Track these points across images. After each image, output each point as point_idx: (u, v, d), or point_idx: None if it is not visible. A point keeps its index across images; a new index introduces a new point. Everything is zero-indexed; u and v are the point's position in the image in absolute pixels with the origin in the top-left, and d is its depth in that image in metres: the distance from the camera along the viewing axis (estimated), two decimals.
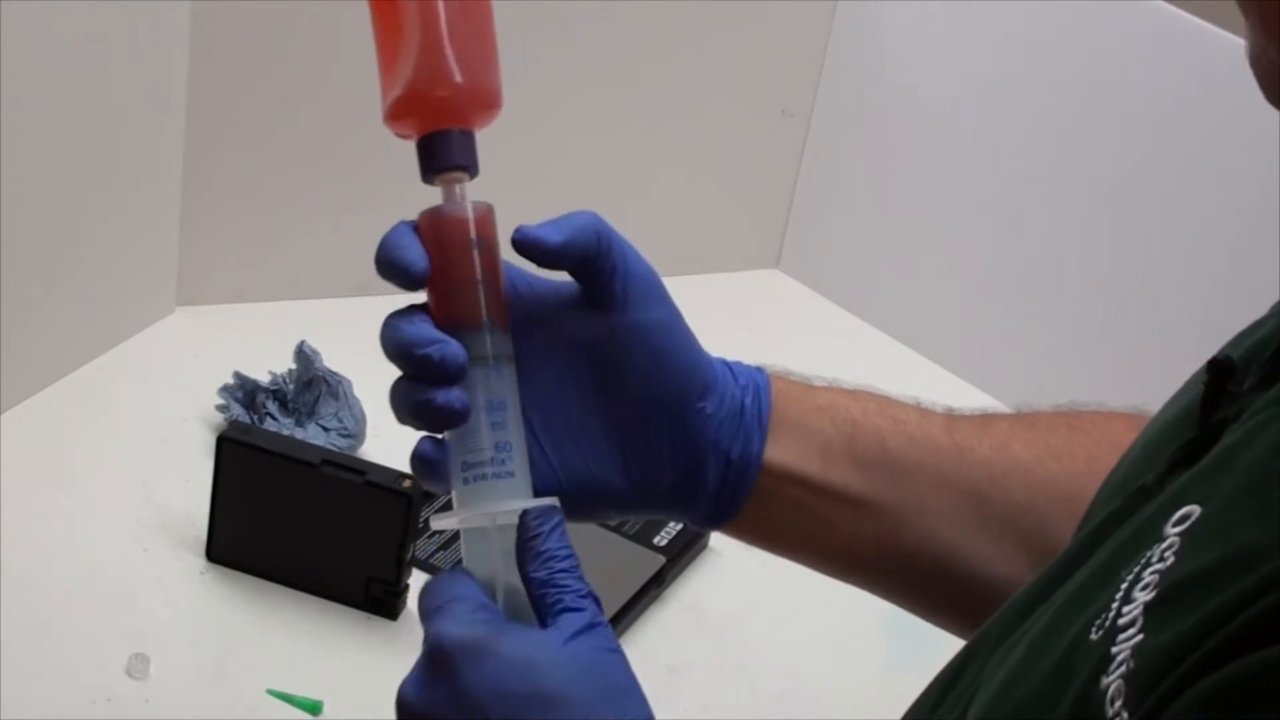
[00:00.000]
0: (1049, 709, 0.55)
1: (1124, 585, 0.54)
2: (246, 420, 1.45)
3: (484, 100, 0.73)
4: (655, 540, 1.43)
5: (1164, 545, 0.54)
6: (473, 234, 0.73)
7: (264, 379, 1.48)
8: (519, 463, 0.73)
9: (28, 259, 1.40)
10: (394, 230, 0.73)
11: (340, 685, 1.27)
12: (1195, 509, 0.54)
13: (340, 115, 1.55)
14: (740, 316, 1.80)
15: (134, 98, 1.46)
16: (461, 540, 0.75)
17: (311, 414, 1.47)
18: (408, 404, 0.73)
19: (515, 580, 0.72)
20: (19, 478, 1.38)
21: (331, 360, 1.48)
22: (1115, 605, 0.54)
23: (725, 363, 0.81)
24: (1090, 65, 1.64)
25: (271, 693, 1.26)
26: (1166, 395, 0.72)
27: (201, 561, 1.36)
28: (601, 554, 1.35)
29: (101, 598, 1.31)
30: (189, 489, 1.40)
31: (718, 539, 1.47)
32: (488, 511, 0.73)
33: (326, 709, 1.25)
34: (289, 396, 1.48)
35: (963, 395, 1.73)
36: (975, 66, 1.72)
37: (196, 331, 1.60)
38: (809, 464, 0.81)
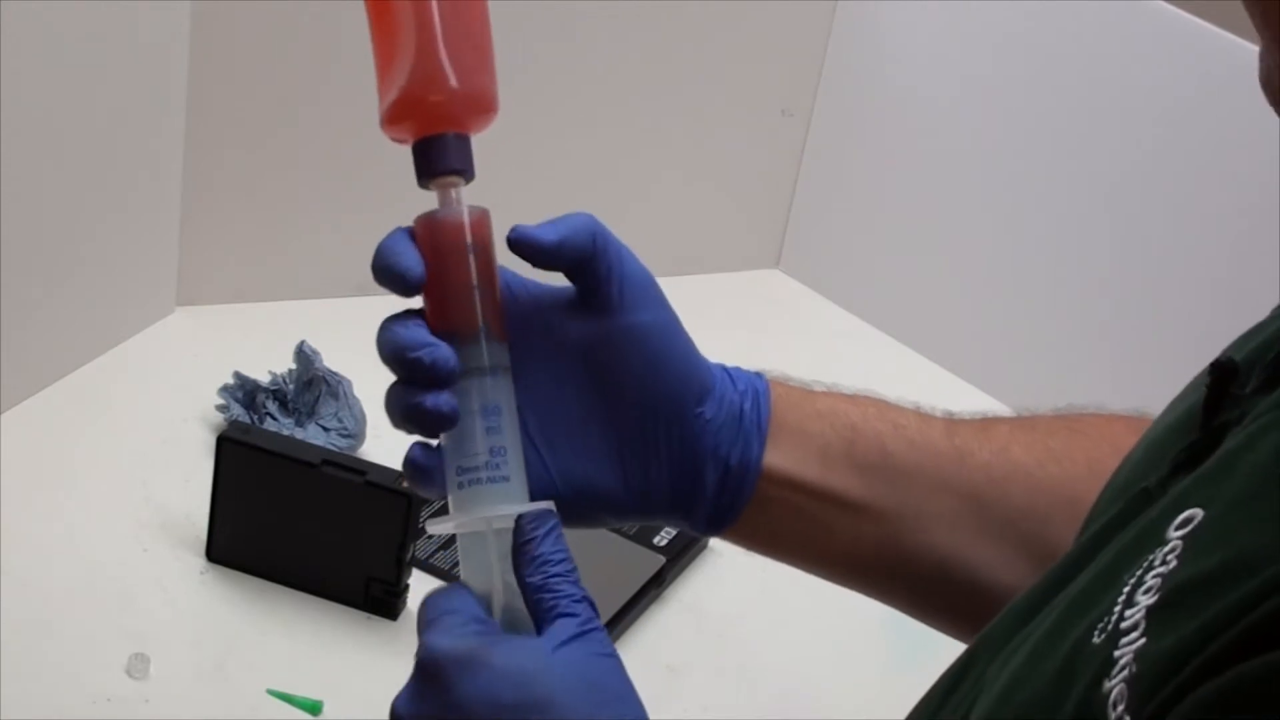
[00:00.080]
0: (1051, 712, 0.55)
1: (1126, 589, 0.54)
2: (246, 420, 1.45)
3: (479, 105, 0.73)
4: (655, 540, 1.43)
5: (1166, 549, 0.54)
6: (468, 238, 0.73)
7: (264, 379, 1.48)
8: (514, 467, 0.73)
9: (28, 259, 1.40)
10: (390, 236, 0.73)
11: (340, 685, 1.27)
12: (1198, 512, 0.54)
13: (340, 115, 1.55)
14: (740, 316, 1.80)
15: (134, 98, 1.46)
16: (458, 545, 0.74)
17: (311, 414, 1.47)
18: (400, 408, 0.73)
19: (513, 584, 0.72)
20: (19, 478, 1.38)
21: (331, 360, 1.48)
22: (1117, 609, 0.54)
23: (724, 368, 0.81)
24: (1090, 65, 1.64)
25: (271, 693, 1.26)
26: (1166, 394, 0.72)
27: (201, 561, 1.36)
28: (601, 554, 1.35)
29: (101, 598, 1.31)
30: (189, 489, 1.40)
31: (717, 539, 1.46)
32: (482, 516, 0.73)
33: (326, 709, 1.25)
34: (289, 396, 1.48)
35: (962, 395, 1.73)
36: (975, 66, 1.72)
37: (196, 331, 1.60)
38: (808, 469, 0.81)
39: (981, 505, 0.82)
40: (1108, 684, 0.52)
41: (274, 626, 1.32)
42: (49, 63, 1.35)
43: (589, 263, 0.76)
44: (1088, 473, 0.79)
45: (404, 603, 1.34)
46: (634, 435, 0.78)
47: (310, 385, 1.48)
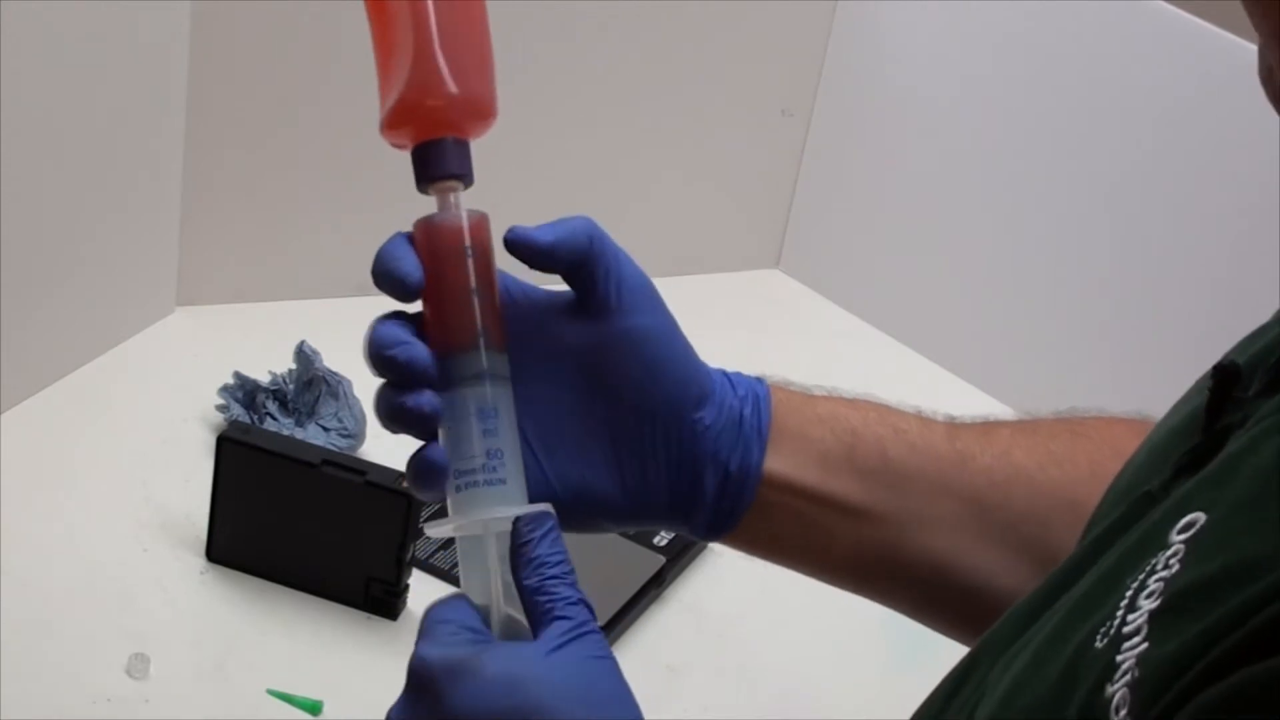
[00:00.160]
0: (1053, 717, 0.55)
1: (1129, 593, 0.54)
2: (246, 420, 1.45)
3: (478, 110, 0.73)
4: (655, 540, 1.43)
5: (1169, 552, 0.54)
6: (467, 242, 0.73)
7: (264, 379, 1.48)
8: (512, 470, 0.73)
9: (28, 259, 1.40)
10: (389, 242, 0.74)
11: (340, 685, 1.27)
12: (1200, 516, 0.54)
13: (340, 115, 1.55)
14: (740, 316, 1.80)
15: (134, 98, 1.46)
16: (457, 548, 0.74)
17: (311, 414, 1.47)
18: (385, 409, 0.73)
19: (513, 587, 0.72)
20: (19, 478, 1.38)
21: (331, 360, 1.48)
22: (1120, 613, 0.54)
23: (725, 374, 0.81)
24: (1090, 65, 1.64)
25: (271, 693, 1.26)
26: (1166, 394, 0.72)
27: (201, 561, 1.36)
28: (601, 554, 1.35)
29: (101, 598, 1.31)
30: (189, 489, 1.40)
31: None
32: (479, 519, 0.73)
33: (326, 709, 1.25)
34: (289, 396, 1.48)
35: (962, 395, 1.73)
36: (975, 66, 1.72)
37: (196, 331, 1.60)
38: (809, 474, 0.80)
39: (983, 509, 0.81)
40: (1110, 689, 0.52)
41: (274, 626, 1.32)
42: (49, 63, 1.35)
43: (585, 265, 0.76)
44: (1089, 476, 0.79)
45: (404, 603, 1.34)
46: (632, 440, 0.78)
47: (310, 385, 1.48)
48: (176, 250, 1.57)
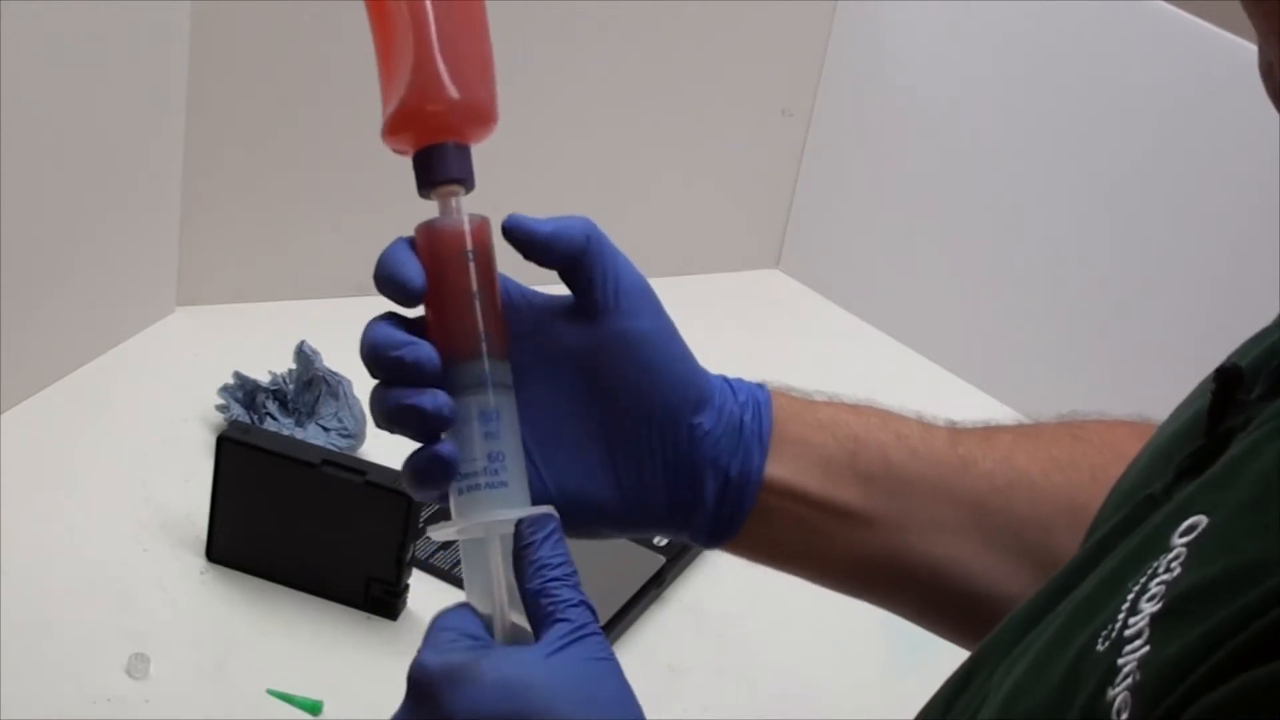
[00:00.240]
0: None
1: (1130, 596, 0.54)
2: (246, 420, 1.45)
3: (479, 115, 0.73)
4: (655, 540, 1.43)
5: (1170, 556, 0.54)
6: (468, 246, 0.73)
7: (264, 379, 1.48)
8: (514, 473, 0.73)
9: (28, 259, 1.40)
10: (391, 246, 0.73)
11: (340, 685, 1.27)
12: (1202, 519, 0.54)
13: (340, 115, 1.55)
14: (740, 316, 1.80)
15: (134, 98, 1.46)
16: (460, 551, 0.74)
17: (311, 414, 1.47)
18: (389, 408, 0.73)
19: (516, 590, 0.72)
20: (19, 478, 1.38)
21: (331, 360, 1.48)
22: (1121, 616, 0.54)
23: (725, 380, 0.81)
24: (1090, 65, 1.64)
25: (271, 693, 1.26)
26: (1165, 393, 0.72)
27: (201, 561, 1.36)
28: (601, 554, 1.34)
29: (101, 598, 1.31)
30: (189, 489, 1.40)
31: None
32: (481, 522, 0.73)
33: (326, 709, 1.25)
34: (289, 396, 1.48)
35: (962, 395, 1.73)
36: (975, 66, 1.72)
37: (196, 331, 1.60)
38: (811, 480, 0.80)
39: (985, 514, 0.81)
40: (1111, 692, 0.52)
41: (274, 626, 1.32)
42: (49, 63, 1.35)
43: (582, 263, 0.76)
44: (1091, 480, 0.79)
45: (404, 603, 1.34)
46: (628, 444, 0.78)
47: (310, 385, 1.48)
48: (176, 250, 1.57)
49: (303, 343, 1.48)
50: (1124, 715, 0.51)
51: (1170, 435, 0.67)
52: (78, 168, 1.44)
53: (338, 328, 1.46)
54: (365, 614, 1.34)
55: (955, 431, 0.83)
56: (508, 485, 0.73)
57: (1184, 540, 0.54)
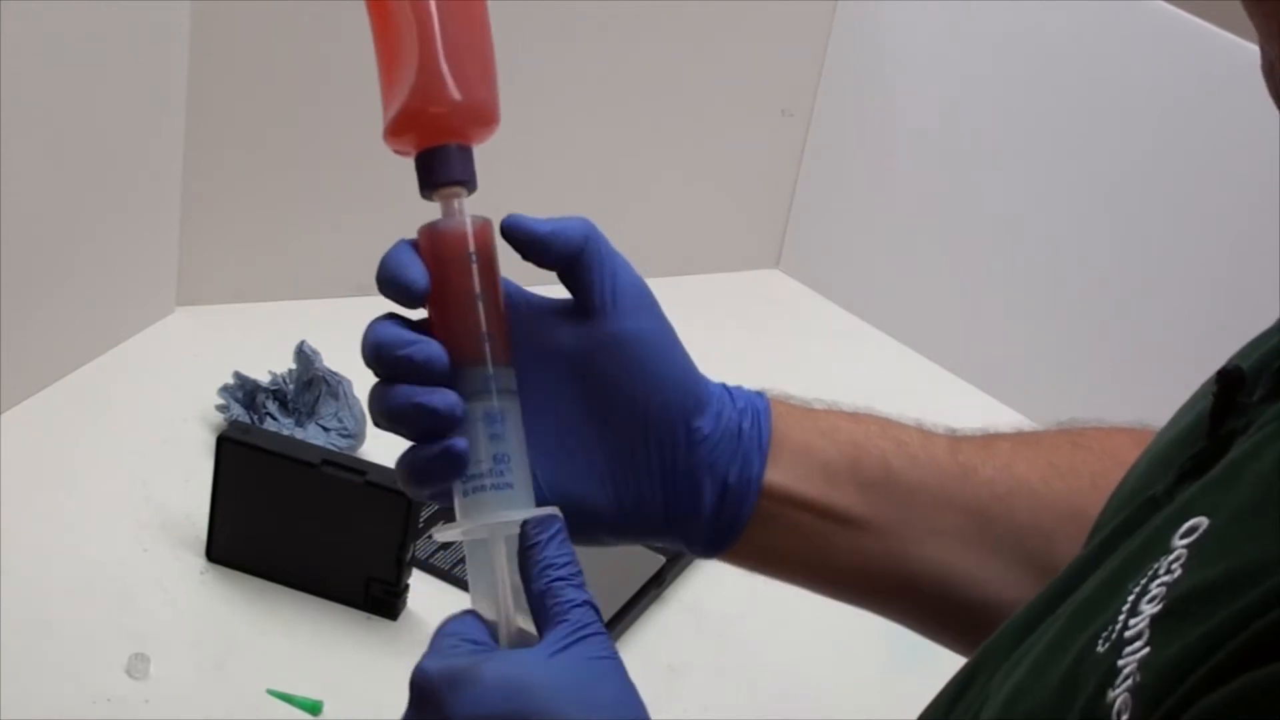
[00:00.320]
0: None
1: (1131, 597, 0.54)
2: (246, 420, 1.45)
3: (481, 116, 0.73)
4: None
5: (1171, 557, 0.54)
6: (471, 248, 0.73)
7: (264, 379, 1.48)
8: (519, 474, 0.73)
9: (28, 259, 1.40)
10: (394, 248, 0.73)
11: (340, 685, 1.27)
12: (1203, 521, 0.54)
13: (340, 115, 1.55)
14: (740, 316, 1.80)
15: (134, 98, 1.46)
16: (465, 552, 0.74)
17: (311, 414, 1.47)
18: (395, 406, 0.72)
19: (522, 591, 0.72)
20: (19, 478, 1.38)
21: (331, 360, 1.48)
22: (1122, 618, 0.54)
23: (724, 386, 0.80)
24: (1090, 65, 1.64)
25: (271, 693, 1.26)
26: (1164, 393, 0.72)
27: (201, 561, 1.36)
28: (601, 554, 1.33)
29: (101, 598, 1.31)
30: (189, 489, 1.40)
31: None
32: (486, 523, 0.73)
33: (326, 709, 1.25)
34: (289, 396, 1.48)
35: (962, 395, 1.73)
36: (975, 66, 1.72)
37: (196, 331, 1.60)
38: (811, 486, 0.80)
39: (986, 521, 0.81)
40: (1111, 693, 0.52)
41: (274, 626, 1.32)
42: (49, 63, 1.35)
43: (579, 262, 0.76)
44: (1091, 487, 0.79)
45: (404, 603, 1.34)
46: (625, 449, 0.77)
47: (310, 385, 1.48)
48: (176, 250, 1.57)
49: (303, 343, 1.48)
50: (1124, 716, 0.51)
51: (1172, 438, 0.66)
52: (78, 168, 1.44)
53: (338, 328, 1.46)
54: (365, 614, 1.34)
55: (954, 439, 0.83)
56: (513, 487, 0.73)
57: (1185, 542, 0.54)
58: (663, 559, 1.42)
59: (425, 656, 0.70)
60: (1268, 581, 0.49)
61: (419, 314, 0.75)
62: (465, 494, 0.73)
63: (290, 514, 1.33)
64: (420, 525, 1.33)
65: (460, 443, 0.72)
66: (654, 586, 1.41)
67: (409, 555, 1.32)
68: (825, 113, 1.83)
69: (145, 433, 1.47)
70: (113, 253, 1.51)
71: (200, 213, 1.56)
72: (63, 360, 1.51)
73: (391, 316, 0.74)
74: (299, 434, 1.44)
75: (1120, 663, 0.52)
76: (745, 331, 1.77)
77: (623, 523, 0.78)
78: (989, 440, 0.84)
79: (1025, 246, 1.72)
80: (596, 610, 0.71)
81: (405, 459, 0.73)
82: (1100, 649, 0.54)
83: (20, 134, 1.33)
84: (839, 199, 1.85)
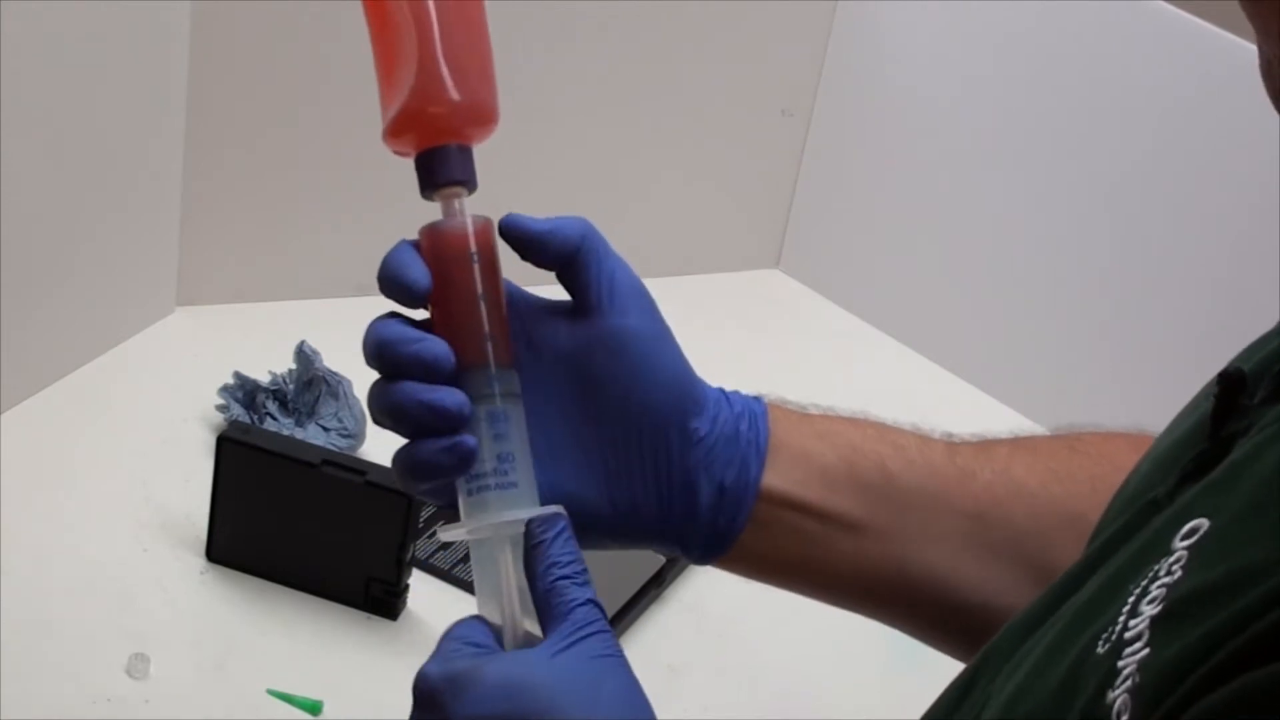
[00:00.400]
0: None
1: (1131, 599, 0.54)
2: (246, 420, 1.45)
3: (481, 116, 0.73)
4: None
5: (1171, 559, 0.54)
6: (472, 248, 0.73)
7: (264, 379, 1.48)
8: (523, 474, 0.73)
9: (28, 259, 1.40)
10: (395, 249, 0.73)
11: (340, 685, 1.27)
12: (1203, 522, 0.54)
13: (340, 115, 1.55)
14: (740, 316, 1.80)
15: (134, 98, 1.46)
16: (470, 552, 0.74)
17: (311, 414, 1.47)
18: (399, 403, 0.72)
19: (527, 591, 0.72)
20: (19, 478, 1.38)
21: (331, 360, 1.48)
22: (1122, 619, 0.54)
23: (722, 390, 0.80)
24: (1090, 65, 1.64)
25: (271, 693, 1.26)
26: (1163, 394, 0.72)
27: (201, 561, 1.36)
28: (602, 554, 1.35)
29: (101, 598, 1.31)
30: (189, 489, 1.40)
31: None
32: (490, 523, 0.73)
33: (326, 709, 1.25)
34: (289, 396, 1.48)
35: (962, 395, 1.73)
36: (975, 66, 1.72)
37: (196, 331, 1.60)
38: (809, 490, 0.80)
39: (985, 526, 0.81)
40: (1111, 694, 0.52)
41: (274, 626, 1.32)
42: (49, 63, 1.35)
43: (576, 261, 0.76)
44: (1090, 491, 0.79)
45: (404, 603, 1.34)
46: (620, 450, 0.77)
47: (310, 385, 1.48)
48: (176, 250, 1.57)
49: (303, 343, 1.48)
50: (1124, 717, 0.51)
51: (1173, 441, 0.66)
52: (78, 168, 1.44)
53: (338, 328, 1.46)
54: (365, 614, 1.34)
55: (952, 444, 0.83)
56: (517, 486, 0.73)
57: (1185, 544, 0.54)
58: (663, 559, 1.42)
59: (428, 661, 0.70)
60: (1268, 582, 0.49)
61: (419, 314, 0.75)
62: (469, 494, 0.73)
63: (290, 514, 1.33)
64: (420, 525, 1.33)
65: (470, 439, 0.72)
66: (654, 586, 1.41)
67: (409, 555, 1.32)
68: (825, 113, 1.83)
69: (145, 433, 1.47)
70: (113, 253, 1.51)
71: (200, 213, 1.57)
72: (63, 360, 1.51)
73: (394, 315, 0.74)
74: (299, 434, 1.44)
75: (1120, 664, 0.52)
76: (745, 332, 1.77)
77: (618, 525, 0.78)
78: (986, 445, 0.84)
79: (1025, 246, 1.72)
80: (601, 609, 0.70)
81: (405, 452, 0.73)
82: (1100, 650, 0.54)
83: (20, 134, 1.33)
84: (839, 199, 1.85)
